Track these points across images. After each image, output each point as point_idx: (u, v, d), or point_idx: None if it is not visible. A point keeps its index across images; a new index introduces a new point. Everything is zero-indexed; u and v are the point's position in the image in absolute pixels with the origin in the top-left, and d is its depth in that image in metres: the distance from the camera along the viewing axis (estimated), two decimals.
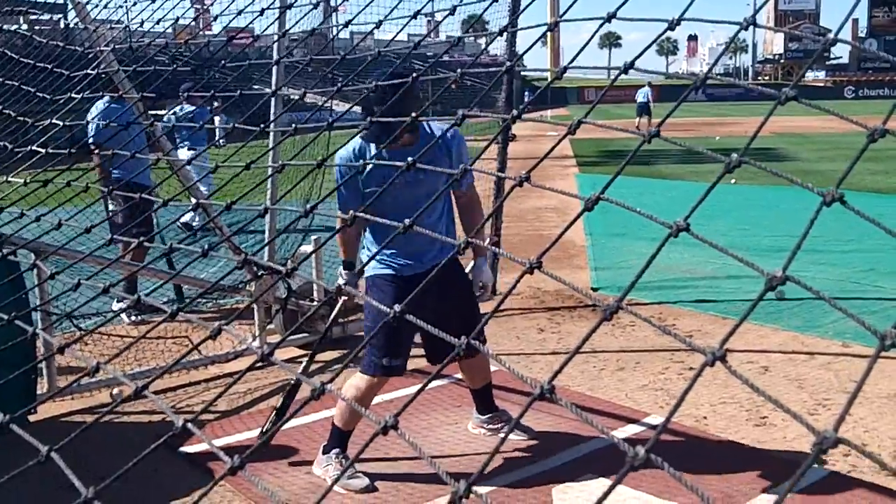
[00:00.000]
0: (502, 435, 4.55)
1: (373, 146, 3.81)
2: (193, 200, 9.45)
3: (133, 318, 6.67)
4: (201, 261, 6.92)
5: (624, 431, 4.37)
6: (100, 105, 6.51)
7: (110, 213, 5.80)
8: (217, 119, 10.43)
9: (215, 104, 9.39)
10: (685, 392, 0.82)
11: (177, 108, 9.26)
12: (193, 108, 9.06)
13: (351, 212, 1.57)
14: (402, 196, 3.70)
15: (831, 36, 1.04)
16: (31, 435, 1.41)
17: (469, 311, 4.07)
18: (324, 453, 4.02)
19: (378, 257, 3.93)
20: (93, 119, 6.26)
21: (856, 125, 0.98)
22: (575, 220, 1.16)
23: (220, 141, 9.60)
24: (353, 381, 4.00)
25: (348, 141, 3.87)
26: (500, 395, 4.97)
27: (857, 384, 0.74)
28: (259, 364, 1.18)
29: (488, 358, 4.36)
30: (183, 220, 10.10)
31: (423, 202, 3.68)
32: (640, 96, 31.21)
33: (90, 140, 6.40)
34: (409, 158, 1.59)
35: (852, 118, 1.02)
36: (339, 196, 3.89)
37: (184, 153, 9.61)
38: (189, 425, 1.06)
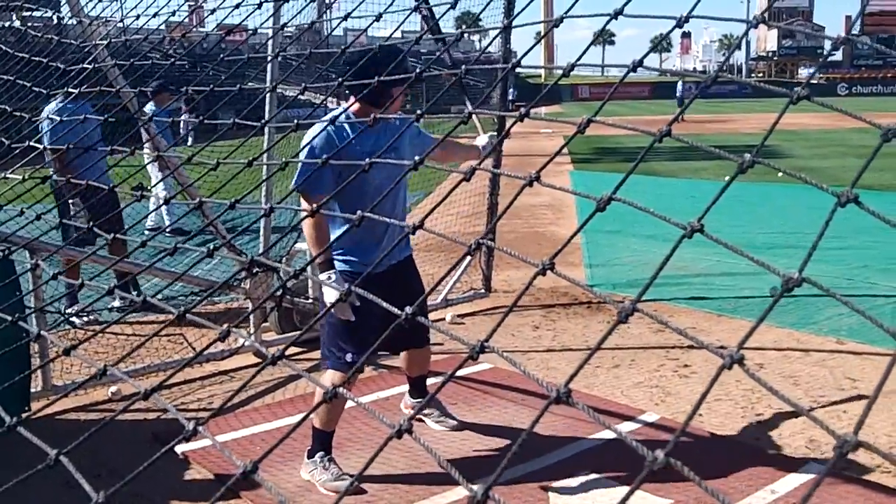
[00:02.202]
0: (434, 425, 4.43)
1: (348, 126, 3.77)
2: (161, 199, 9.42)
3: (85, 318, 6.66)
4: (194, 258, 6.89)
5: (620, 429, 4.37)
6: (52, 106, 6.47)
7: (72, 215, 5.80)
8: (184, 118, 10.35)
9: (180, 105, 9.30)
10: (703, 395, 0.82)
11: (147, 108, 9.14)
12: (157, 107, 8.92)
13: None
14: (374, 180, 3.67)
15: (843, 35, 1.03)
16: (31, 431, 1.40)
17: (422, 308, 4.18)
18: (308, 457, 3.99)
19: (346, 253, 3.90)
20: (46, 120, 6.24)
21: (867, 124, 0.98)
22: (587, 221, 1.16)
23: (188, 139, 9.55)
24: (324, 380, 3.98)
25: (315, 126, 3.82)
26: (498, 394, 4.97)
27: (879, 382, 0.74)
28: (270, 365, 1.17)
29: (430, 353, 4.45)
30: (167, 222, 10.10)
31: (388, 188, 3.66)
32: (678, 91, 33.52)
33: (47, 143, 6.35)
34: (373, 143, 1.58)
35: (863, 117, 1.02)
36: (312, 177, 3.57)
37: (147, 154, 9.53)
38: (200, 429, 1.05)
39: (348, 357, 3.86)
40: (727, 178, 1.20)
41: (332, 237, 3.91)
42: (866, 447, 0.72)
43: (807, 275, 0.92)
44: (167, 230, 9.73)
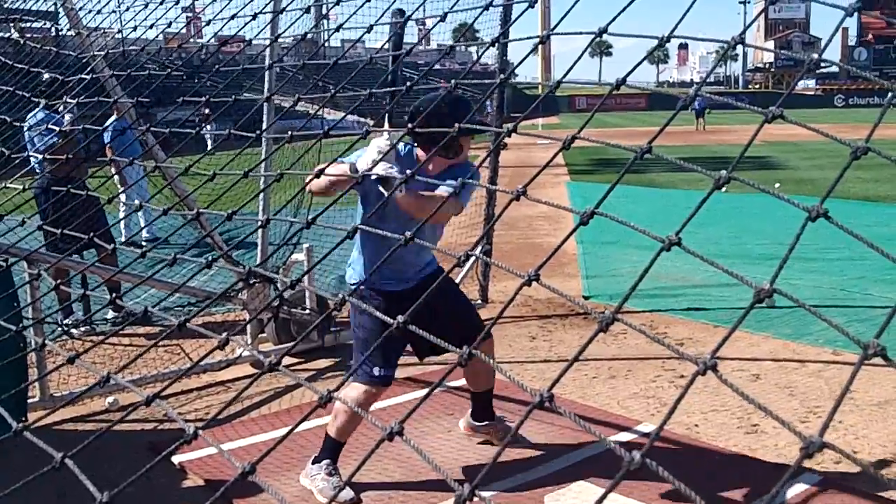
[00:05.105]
0: (501, 441, 4.53)
1: (416, 152, 3.89)
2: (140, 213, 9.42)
3: (82, 328, 6.66)
4: (191, 269, 6.93)
5: (616, 439, 4.39)
6: (39, 115, 6.50)
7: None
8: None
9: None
10: (678, 400, 0.84)
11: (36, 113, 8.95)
12: (47, 112, 8.72)
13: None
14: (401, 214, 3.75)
15: (815, 56, 1.06)
16: (23, 442, 1.42)
17: (466, 314, 4.26)
18: (313, 463, 3.99)
19: (364, 272, 3.96)
20: (34, 128, 6.30)
21: (837, 141, 1.01)
22: (570, 234, 1.18)
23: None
24: (350, 392, 3.99)
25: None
26: (494, 404, 4.98)
27: (842, 391, 0.76)
28: (266, 373, 1.19)
29: (491, 363, 4.38)
30: (145, 235, 10.12)
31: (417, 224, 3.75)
32: (697, 102, 34.83)
33: (37, 147, 6.39)
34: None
35: (830, 133, 1.05)
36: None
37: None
38: (201, 433, 1.07)
39: (375, 371, 3.92)
40: (725, 189, 1.23)
41: (362, 258, 3.99)
42: (831, 448, 0.74)
43: (804, 286, 0.94)
44: (143, 240, 9.75)
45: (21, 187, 2.84)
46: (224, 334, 1.35)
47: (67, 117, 6.31)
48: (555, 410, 0.92)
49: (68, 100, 5.81)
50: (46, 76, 4.66)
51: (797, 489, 3.82)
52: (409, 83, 1.98)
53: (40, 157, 6.28)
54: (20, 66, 4.34)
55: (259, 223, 4.94)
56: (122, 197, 9.26)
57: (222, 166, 2.25)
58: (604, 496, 0.79)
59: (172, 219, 9.74)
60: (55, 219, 5.63)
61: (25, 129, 6.29)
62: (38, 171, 6.58)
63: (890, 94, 0.99)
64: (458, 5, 2.11)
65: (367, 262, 3.98)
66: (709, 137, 30.88)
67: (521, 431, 4.50)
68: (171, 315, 6.29)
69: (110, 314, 6.92)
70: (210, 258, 1.70)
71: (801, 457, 0.72)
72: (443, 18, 1.95)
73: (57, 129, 6.16)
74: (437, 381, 1.31)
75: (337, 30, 2.86)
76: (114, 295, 1.87)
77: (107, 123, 8.73)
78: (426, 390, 4.58)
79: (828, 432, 3.80)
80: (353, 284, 4.00)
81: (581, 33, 1.22)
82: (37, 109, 6.50)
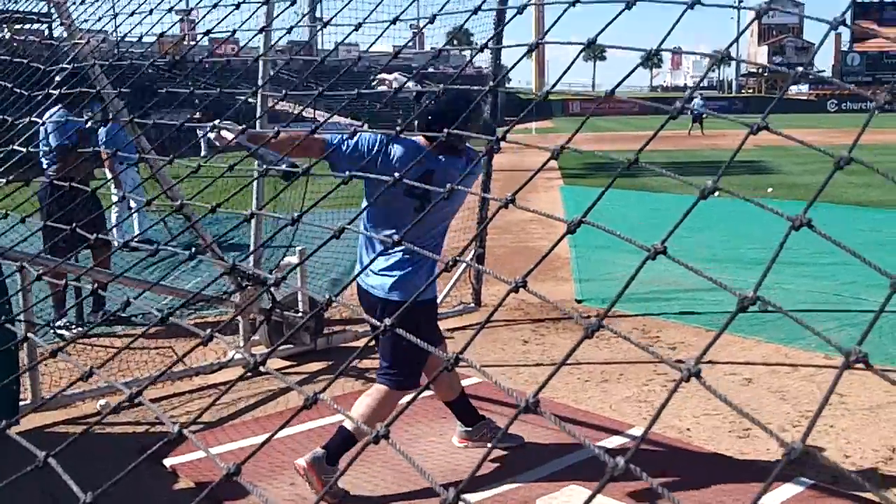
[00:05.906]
0: (489, 446, 4.57)
1: (404, 146, 3.87)
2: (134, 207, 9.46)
3: (74, 330, 6.64)
4: (183, 269, 6.93)
5: (608, 443, 4.38)
6: (56, 111, 6.52)
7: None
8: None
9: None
10: (662, 406, 0.84)
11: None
12: (113, 124, 8.69)
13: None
14: (404, 202, 3.81)
15: (800, 69, 1.07)
16: (14, 446, 1.42)
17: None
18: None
19: (426, 282, 3.92)
20: (50, 124, 6.33)
21: (822, 152, 1.02)
22: (559, 241, 1.19)
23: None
24: (380, 396, 3.97)
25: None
26: (484, 408, 4.98)
27: (825, 396, 0.77)
28: (250, 373, 1.20)
29: (455, 372, 4.40)
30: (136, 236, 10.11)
31: (439, 223, 4.00)
32: (696, 106, 35.23)
33: (53, 143, 6.41)
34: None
35: (812, 144, 1.05)
36: (362, 138, 3.79)
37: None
38: (185, 432, 1.08)
39: (413, 380, 4.00)
40: (717, 194, 1.24)
41: (414, 267, 3.94)
42: (812, 453, 0.74)
43: (796, 290, 0.95)
44: (135, 239, 9.72)
45: (19, 185, 2.84)
46: (208, 330, 1.35)
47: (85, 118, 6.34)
48: (540, 414, 0.93)
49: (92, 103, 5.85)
50: (56, 78, 4.67)
51: (789, 493, 3.83)
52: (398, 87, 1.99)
53: (49, 156, 6.30)
54: (11, 58, 4.34)
55: (244, 218, 4.94)
56: (114, 198, 9.27)
57: (219, 175, 2.25)
58: (588, 501, 0.79)
59: (171, 221, 9.74)
60: (58, 218, 5.61)
61: (41, 127, 6.30)
62: (44, 168, 6.58)
63: (874, 107, 1.00)
64: (453, 10, 2.12)
65: (430, 270, 3.97)
66: (701, 142, 30.91)
67: (513, 433, 4.51)
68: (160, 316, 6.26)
69: (91, 316, 6.91)
70: (194, 250, 1.70)
71: (782, 462, 0.73)
72: (431, 20, 1.96)
73: (65, 129, 6.17)
74: (427, 385, 1.32)
75: (337, 47, 2.87)
76: (99, 293, 1.87)
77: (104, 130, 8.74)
78: (412, 394, 4.59)
79: (820, 437, 3.82)
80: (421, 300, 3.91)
81: (571, 43, 1.23)
82: (53, 109, 6.50)
